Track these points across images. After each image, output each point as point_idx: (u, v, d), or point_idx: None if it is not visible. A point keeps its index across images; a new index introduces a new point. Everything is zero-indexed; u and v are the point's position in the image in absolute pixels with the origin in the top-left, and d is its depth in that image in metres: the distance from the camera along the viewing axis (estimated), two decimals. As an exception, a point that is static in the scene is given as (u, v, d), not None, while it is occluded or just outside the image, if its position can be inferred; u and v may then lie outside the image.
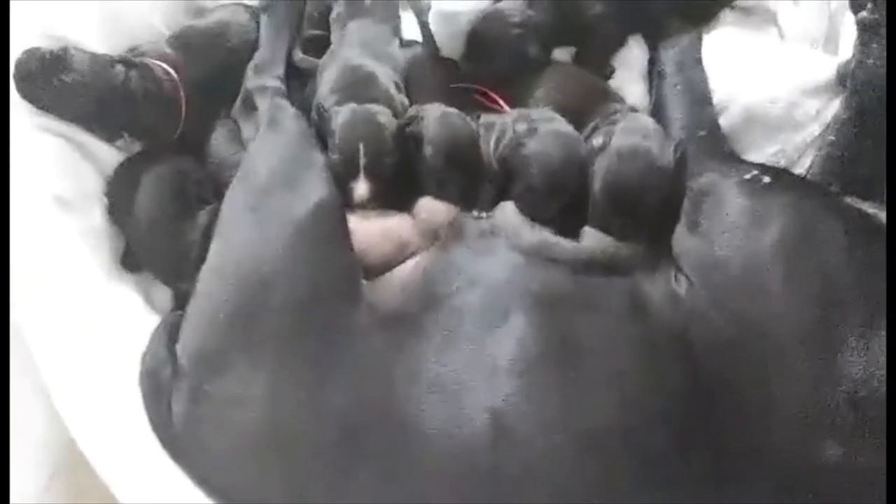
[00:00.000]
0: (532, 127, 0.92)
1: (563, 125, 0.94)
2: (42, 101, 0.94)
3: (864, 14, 0.92)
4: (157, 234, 0.96)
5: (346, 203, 0.90)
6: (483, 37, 1.06)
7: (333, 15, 1.12)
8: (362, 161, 0.91)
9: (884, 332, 0.74)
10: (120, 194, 0.99)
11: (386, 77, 1.02)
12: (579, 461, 0.75)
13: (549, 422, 0.76)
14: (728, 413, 0.76)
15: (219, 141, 1.05)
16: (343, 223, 0.88)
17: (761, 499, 0.76)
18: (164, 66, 1.03)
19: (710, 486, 0.75)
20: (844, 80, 0.94)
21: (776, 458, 0.75)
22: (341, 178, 0.91)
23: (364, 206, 0.91)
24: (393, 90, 1.02)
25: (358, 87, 0.97)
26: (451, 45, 1.09)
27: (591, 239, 0.87)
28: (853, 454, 0.72)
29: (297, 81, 1.09)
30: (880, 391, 0.73)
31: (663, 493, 0.75)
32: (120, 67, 0.98)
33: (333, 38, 1.10)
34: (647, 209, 0.87)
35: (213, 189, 0.99)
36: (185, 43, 1.08)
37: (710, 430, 0.76)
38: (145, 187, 0.97)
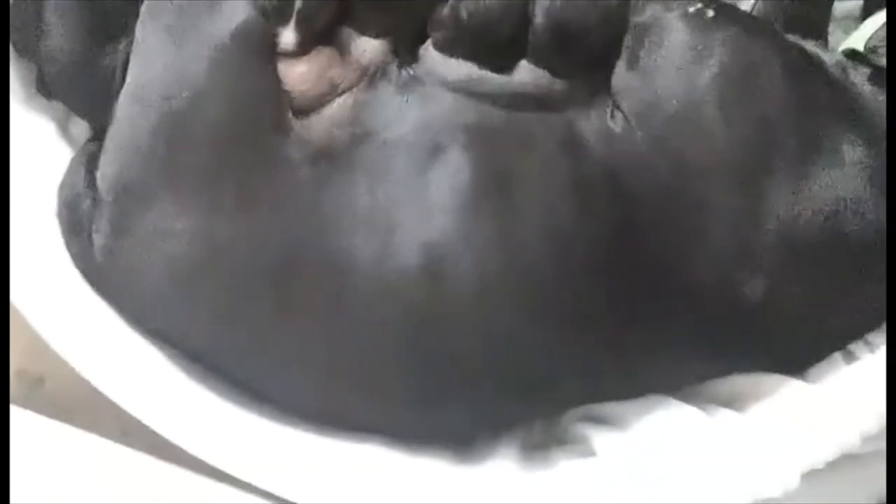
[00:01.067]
0: None
1: None
2: None
3: None
4: (74, 64, 0.88)
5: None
6: None
7: None
8: (297, 5, 0.83)
9: (819, 170, 0.75)
10: (27, 22, 0.91)
11: None
12: (510, 296, 0.76)
13: (481, 256, 0.75)
14: (657, 250, 0.77)
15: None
16: (268, 49, 0.82)
17: (687, 335, 0.78)
18: None
19: (637, 321, 0.77)
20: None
21: (702, 294, 0.77)
22: (266, 18, 0.83)
23: (288, 53, 0.83)
24: None
25: None
26: None
27: (524, 73, 0.84)
28: (777, 291, 0.75)
29: None
30: (807, 230, 0.75)
31: (592, 328, 0.77)
32: None
33: None
34: (590, 46, 0.83)
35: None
36: None
37: (638, 266, 0.77)
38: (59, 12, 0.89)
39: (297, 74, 0.84)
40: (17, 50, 0.91)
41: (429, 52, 0.87)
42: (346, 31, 0.87)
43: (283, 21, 0.83)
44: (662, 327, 0.78)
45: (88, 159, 0.82)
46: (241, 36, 0.81)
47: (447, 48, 0.86)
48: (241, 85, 0.81)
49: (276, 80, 0.82)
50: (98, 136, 0.86)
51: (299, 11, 0.83)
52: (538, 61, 0.84)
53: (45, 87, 0.92)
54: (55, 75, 0.89)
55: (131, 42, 0.86)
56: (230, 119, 0.79)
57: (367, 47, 0.87)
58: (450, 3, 0.87)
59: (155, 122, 0.78)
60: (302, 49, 0.84)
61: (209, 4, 0.82)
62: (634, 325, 0.77)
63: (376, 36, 0.86)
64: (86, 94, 0.89)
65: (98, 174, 0.79)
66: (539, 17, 0.84)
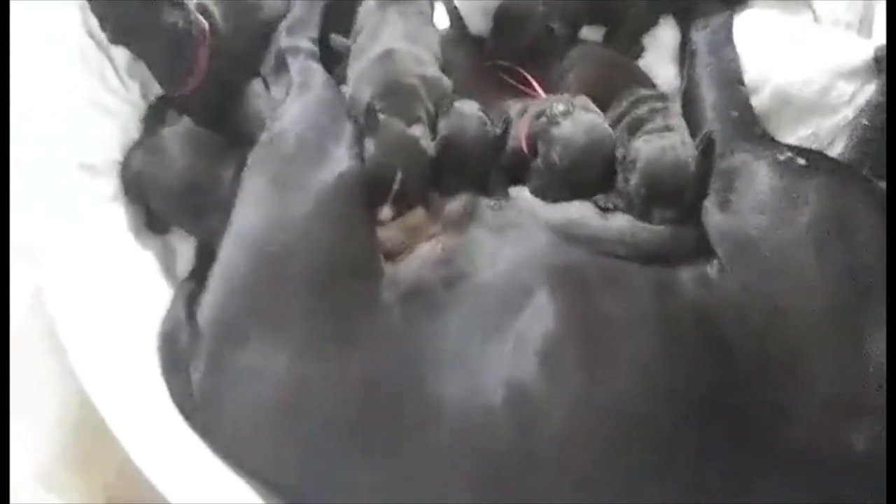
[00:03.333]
0: (569, 111, 0.91)
1: (598, 118, 0.93)
2: None
3: (899, -4, 0.90)
4: (189, 187, 0.93)
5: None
6: (510, 13, 1.04)
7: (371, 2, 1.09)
8: (395, 187, 0.88)
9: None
10: (141, 162, 0.97)
11: (430, 75, 0.99)
12: (598, 443, 0.74)
13: (568, 401, 0.75)
14: (754, 398, 0.74)
15: (249, 101, 1.02)
16: (365, 199, 0.87)
17: (787, 490, 0.74)
18: (200, 15, 1.00)
19: (731, 474, 0.74)
20: (880, 64, 0.92)
21: (803, 446, 0.73)
22: (368, 190, 0.89)
23: (383, 224, 0.88)
24: (440, 80, 0.99)
25: (402, 101, 0.93)
26: (479, 22, 1.08)
27: (620, 220, 0.86)
28: (880, 439, 0.71)
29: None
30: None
31: (683, 479, 0.74)
32: None
33: (367, 21, 1.06)
34: (683, 198, 0.86)
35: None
36: (226, 3, 1.05)
37: (734, 416, 0.74)
38: (174, 145, 0.96)
39: (390, 224, 0.88)
40: (128, 195, 0.96)
41: (523, 194, 0.92)
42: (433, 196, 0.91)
43: (383, 195, 0.87)
44: (757, 480, 0.73)
45: (188, 296, 0.86)
46: (343, 186, 0.86)
47: (542, 193, 0.89)
48: (338, 233, 0.84)
49: (371, 226, 0.86)
50: (198, 272, 0.91)
51: (397, 192, 0.88)
52: (635, 214, 0.87)
53: (154, 224, 0.97)
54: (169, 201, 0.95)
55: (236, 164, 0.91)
56: (326, 264, 0.82)
57: (450, 204, 0.90)
58: (540, 152, 0.91)
59: (254, 264, 0.82)
60: (395, 218, 0.88)
61: (316, 156, 0.87)
62: (729, 480, 0.74)
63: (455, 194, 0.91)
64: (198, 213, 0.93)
65: (198, 311, 0.82)
66: (634, 179, 0.87)
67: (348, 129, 0.91)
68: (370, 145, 0.90)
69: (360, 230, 0.86)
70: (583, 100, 0.95)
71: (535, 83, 1.03)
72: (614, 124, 0.94)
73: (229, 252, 0.83)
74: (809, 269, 0.76)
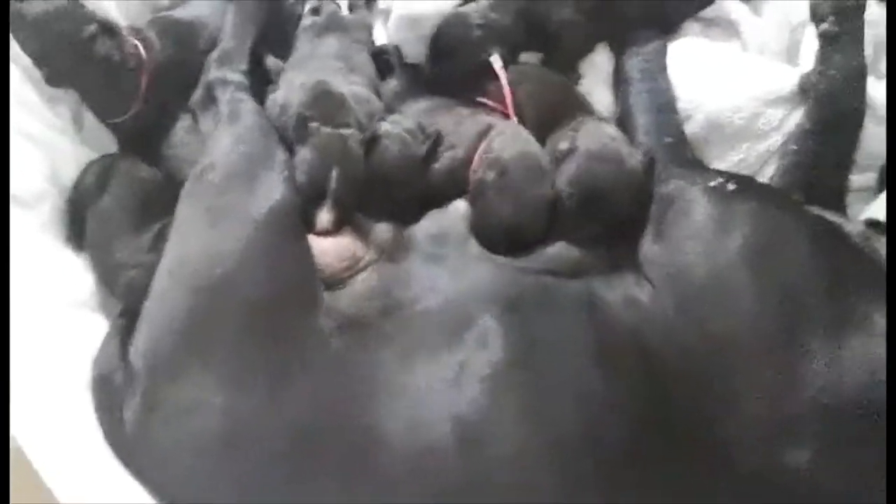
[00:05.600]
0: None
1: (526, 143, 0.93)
2: (10, 24, 0.94)
3: (824, 26, 0.93)
4: (115, 247, 0.93)
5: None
6: (445, 39, 1.05)
7: (307, 23, 1.10)
8: (332, 188, 0.88)
9: (852, 340, 0.74)
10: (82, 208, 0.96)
11: (360, 92, 0.99)
12: (542, 466, 0.74)
13: (511, 427, 0.74)
14: (688, 419, 0.75)
15: (178, 133, 1.01)
16: (301, 226, 0.86)
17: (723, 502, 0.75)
18: (136, 42, 1.01)
19: (672, 487, 0.74)
20: (807, 90, 0.95)
21: (737, 465, 0.74)
22: (304, 200, 0.88)
23: (322, 233, 0.88)
24: (369, 99, 1.00)
25: (331, 108, 0.93)
26: (415, 49, 1.09)
27: (555, 246, 0.87)
28: (818, 461, 0.72)
29: (260, 81, 1.06)
30: (847, 397, 0.73)
31: (625, 497, 0.74)
32: (94, 26, 0.97)
33: (301, 44, 1.08)
34: (616, 212, 0.87)
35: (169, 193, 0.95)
36: (162, 29, 1.06)
37: (670, 435, 0.75)
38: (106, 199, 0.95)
39: (325, 251, 0.87)
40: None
41: (453, 217, 0.91)
42: (362, 216, 0.91)
43: (319, 201, 0.87)
44: (698, 493, 0.74)
45: (122, 333, 0.83)
46: (277, 214, 0.85)
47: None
48: (274, 262, 0.83)
49: (308, 255, 0.85)
50: (130, 309, 0.88)
51: (333, 192, 0.88)
52: (564, 231, 0.87)
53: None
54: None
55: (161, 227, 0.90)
56: (263, 295, 0.81)
57: (381, 229, 0.91)
58: (478, 211, 0.91)
59: (189, 298, 0.80)
60: (335, 228, 0.88)
61: (248, 185, 0.86)
62: (669, 490, 0.74)
63: (388, 219, 0.91)
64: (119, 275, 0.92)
65: (132, 348, 0.80)
66: (565, 186, 0.87)
67: (279, 156, 0.90)
68: (302, 153, 0.90)
69: (297, 259, 0.85)
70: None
71: (510, 109, 1.01)
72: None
73: (163, 286, 0.81)
74: (741, 293, 0.77)
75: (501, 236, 0.88)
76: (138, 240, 0.92)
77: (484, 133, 0.95)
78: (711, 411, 0.75)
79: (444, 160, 0.96)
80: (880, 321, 0.74)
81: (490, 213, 0.89)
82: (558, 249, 0.86)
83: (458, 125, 0.98)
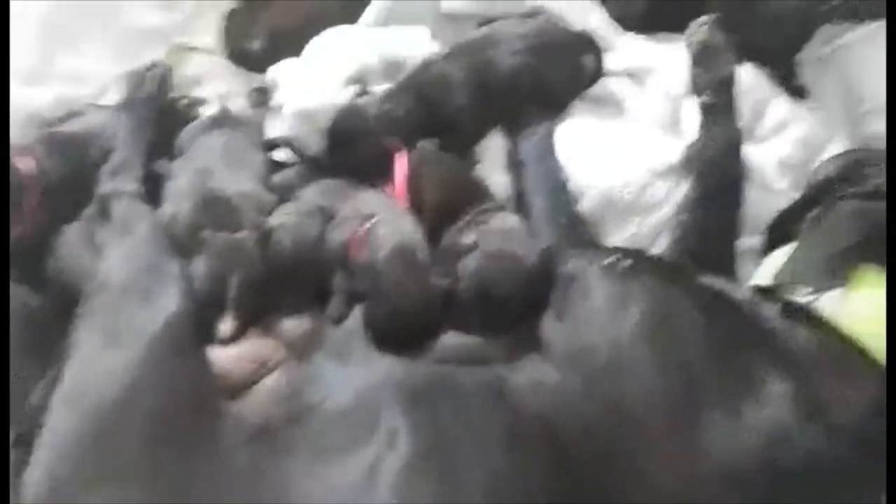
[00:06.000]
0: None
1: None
2: None
3: (704, 98, 0.98)
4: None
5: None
6: (342, 131, 1.07)
7: (196, 124, 1.10)
8: (231, 295, 0.87)
9: (748, 406, 0.76)
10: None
11: (248, 189, 0.99)
12: None
13: None
14: (598, 496, 0.76)
15: (69, 247, 0.99)
16: (199, 338, 0.85)
17: None
18: (27, 158, 1.00)
19: None
20: (691, 161, 1.00)
21: None
22: (202, 311, 0.87)
23: (227, 342, 0.87)
24: (259, 194, 1.00)
25: (222, 214, 0.93)
26: (314, 142, 1.10)
27: (453, 336, 0.88)
28: None
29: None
30: (746, 465, 0.74)
31: None
32: None
33: (184, 144, 1.08)
34: (514, 307, 0.88)
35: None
36: (51, 146, 1.05)
37: None
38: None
39: (227, 358, 0.85)
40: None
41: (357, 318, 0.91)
42: (272, 315, 0.90)
43: (219, 310, 0.87)
44: None
45: (14, 467, 0.79)
46: (173, 328, 0.83)
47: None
48: (172, 376, 0.81)
49: (206, 364, 0.84)
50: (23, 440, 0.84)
51: (233, 300, 0.87)
52: (464, 327, 0.88)
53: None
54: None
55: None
56: (163, 413, 0.79)
57: (291, 326, 0.90)
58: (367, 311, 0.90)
59: (86, 424, 0.77)
60: (239, 334, 0.87)
61: (142, 300, 0.85)
62: None
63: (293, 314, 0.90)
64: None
65: (24, 484, 0.76)
66: (464, 282, 0.89)
67: (173, 267, 0.89)
68: (197, 263, 0.89)
69: (196, 372, 0.83)
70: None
71: (399, 183, 1.03)
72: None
73: (59, 414, 0.78)
74: (641, 370, 0.79)
75: (389, 328, 0.88)
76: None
77: (367, 218, 0.96)
78: (620, 486, 0.76)
79: (333, 242, 0.96)
80: (773, 385, 0.77)
81: (376, 306, 0.89)
82: (459, 339, 0.87)
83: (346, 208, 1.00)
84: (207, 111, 1.27)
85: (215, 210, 0.93)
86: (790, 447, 0.75)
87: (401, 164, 1.03)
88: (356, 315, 0.91)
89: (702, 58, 0.95)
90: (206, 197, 0.94)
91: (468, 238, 0.91)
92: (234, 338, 0.86)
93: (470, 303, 0.88)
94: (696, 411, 0.77)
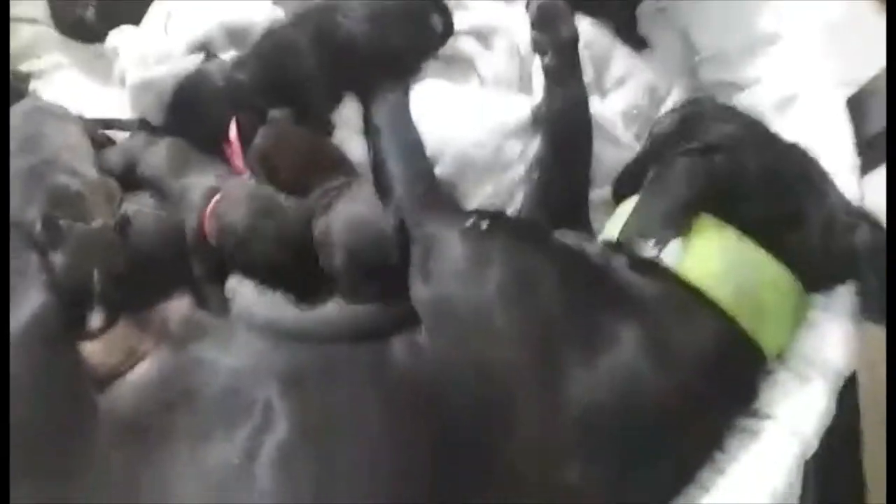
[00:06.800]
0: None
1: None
2: None
3: (545, 60, 1.00)
4: None
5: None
6: (187, 99, 1.04)
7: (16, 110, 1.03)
8: (97, 288, 0.84)
9: (604, 356, 0.81)
10: None
11: (91, 178, 0.95)
12: None
13: None
14: (473, 449, 0.79)
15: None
16: (66, 332, 0.82)
17: None
18: None
19: None
20: (538, 120, 1.02)
21: (522, 487, 0.79)
22: (67, 305, 0.84)
23: (96, 335, 0.84)
24: (104, 182, 0.96)
25: (74, 205, 0.89)
26: (154, 115, 1.06)
27: (333, 306, 0.89)
28: (588, 475, 0.79)
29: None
30: (606, 412, 0.80)
31: None
32: None
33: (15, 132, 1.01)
34: (388, 269, 0.90)
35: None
36: None
37: (459, 473, 0.79)
38: None
39: (94, 350, 0.83)
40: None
41: (239, 290, 0.91)
42: (144, 299, 0.88)
43: (87, 304, 0.83)
44: None
45: None
46: (37, 324, 0.80)
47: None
48: (42, 372, 0.79)
49: (79, 361, 0.81)
50: None
51: (100, 293, 0.84)
52: (349, 294, 0.89)
53: None
54: None
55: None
56: (33, 413, 0.76)
57: (168, 311, 0.88)
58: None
59: None
60: (108, 325, 0.84)
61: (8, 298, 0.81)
62: None
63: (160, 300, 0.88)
64: None
65: None
66: (337, 258, 0.89)
67: (33, 260, 0.85)
68: (58, 258, 0.85)
69: (66, 367, 0.81)
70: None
71: (237, 152, 1.01)
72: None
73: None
74: (503, 327, 0.83)
75: (274, 264, 0.90)
76: None
77: (209, 195, 0.95)
78: (494, 439, 0.80)
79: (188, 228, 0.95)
80: (626, 333, 0.82)
81: (249, 248, 0.91)
82: (338, 309, 0.88)
83: (184, 191, 0.98)
84: (43, 85, 1.21)
85: (66, 201, 0.89)
86: (641, 389, 0.80)
87: (233, 131, 1.02)
88: (238, 303, 0.91)
89: (541, 21, 0.97)
90: (54, 194, 0.90)
91: (322, 211, 0.92)
92: (103, 330, 0.84)
93: (338, 272, 0.89)
94: (556, 364, 0.81)
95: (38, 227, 0.86)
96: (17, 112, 1.03)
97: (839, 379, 0.85)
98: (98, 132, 1.11)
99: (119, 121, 1.12)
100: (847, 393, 0.88)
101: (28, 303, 0.81)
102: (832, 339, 0.87)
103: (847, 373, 0.86)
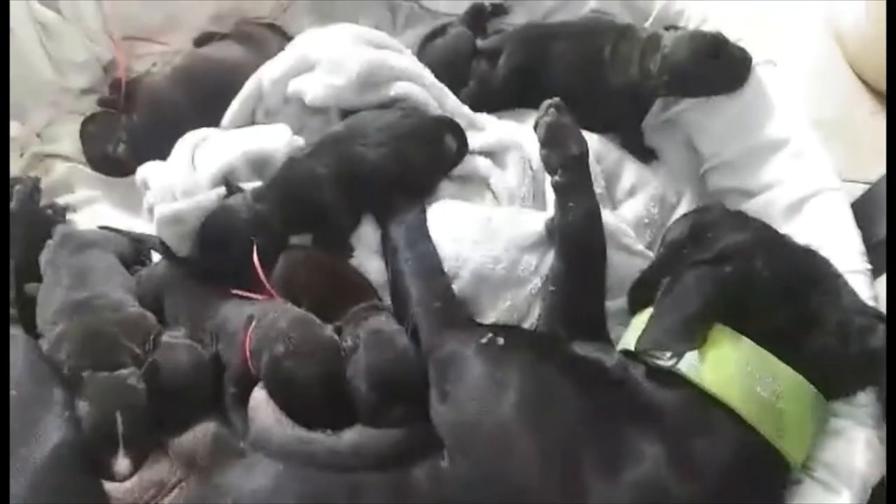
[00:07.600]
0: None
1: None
2: None
3: (556, 178, 1.03)
4: None
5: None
6: (214, 232, 1.08)
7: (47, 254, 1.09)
8: (121, 432, 0.87)
9: (625, 472, 0.80)
10: None
11: (131, 314, 1.00)
12: None
13: None
14: None
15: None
16: (89, 466, 0.84)
17: None
18: None
19: None
20: (552, 234, 1.04)
21: None
22: (94, 452, 0.86)
23: (124, 479, 0.86)
24: (144, 316, 1.01)
25: (102, 352, 0.93)
26: (181, 245, 1.10)
27: (355, 433, 0.89)
28: None
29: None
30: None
31: None
32: None
33: (48, 267, 1.06)
34: (412, 389, 0.91)
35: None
36: None
37: None
38: None
39: (127, 488, 0.84)
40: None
41: (258, 413, 0.92)
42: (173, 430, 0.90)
43: (112, 448, 0.85)
44: None
45: None
46: (60, 458, 0.82)
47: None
48: None
49: (101, 495, 0.82)
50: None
51: (124, 437, 0.86)
52: (372, 419, 0.90)
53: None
54: None
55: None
56: None
57: (195, 440, 0.89)
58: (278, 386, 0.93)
59: None
60: (136, 467, 0.86)
61: (27, 431, 0.83)
62: None
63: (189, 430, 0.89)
64: None
65: None
66: (362, 382, 0.91)
67: (57, 393, 0.88)
68: (81, 406, 0.88)
69: (87, 501, 0.81)
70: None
71: (263, 280, 1.04)
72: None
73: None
74: (523, 447, 0.82)
75: (311, 397, 0.91)
76: None
77: (248, 322, 0.98)
78: None
79: (230, 364, 0.98)
80: (648, 446, 0.81)
81: (292, 380, 0.91)
82: (360, 434, 0.89)
83: (224, 323, 1.01)
84: (77, 217, 1.26)
85: (95, 348, 0.93)
86: (667, 502, 0.80)
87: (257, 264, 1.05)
88: (257, 426, 0.92)
89: (550, 139, 1.00)
90: (86, 338, 0.94)
91: (347, 342, 0.94)
92: (130, 475, 0.85)
93: (373, 396, 0.91)
94: (579, 483, 0.80)
95: (66, 370, 0.90)
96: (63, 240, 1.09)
97: (866, 488, 0.84)
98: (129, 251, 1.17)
99: (149, 237, 1.17)
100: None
101: (49, 435, 0.83)
102: (856, 447, 0.86)
103: (873, 480, 0.84)
